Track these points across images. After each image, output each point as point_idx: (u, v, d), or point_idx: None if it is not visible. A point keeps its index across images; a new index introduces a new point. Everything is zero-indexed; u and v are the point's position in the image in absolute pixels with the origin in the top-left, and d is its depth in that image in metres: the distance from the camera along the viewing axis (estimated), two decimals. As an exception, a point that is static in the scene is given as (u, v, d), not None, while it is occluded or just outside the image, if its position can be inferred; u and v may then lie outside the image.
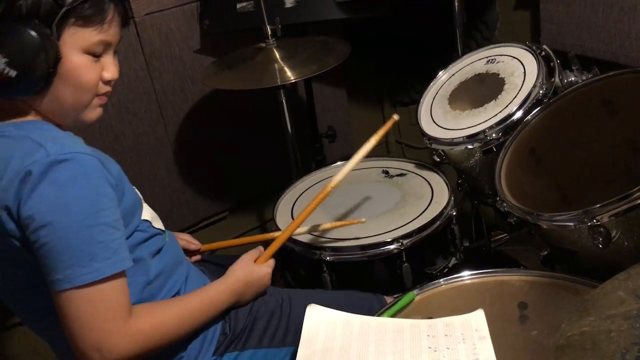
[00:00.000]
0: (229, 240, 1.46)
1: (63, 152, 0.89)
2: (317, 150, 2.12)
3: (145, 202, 1.12)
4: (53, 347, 1.09)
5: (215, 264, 1.38)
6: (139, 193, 1.10)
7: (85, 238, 0.89)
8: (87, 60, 0.96)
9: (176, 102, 1.98)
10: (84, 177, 0.90)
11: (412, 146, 2.51)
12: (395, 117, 1.39)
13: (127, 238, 1.00)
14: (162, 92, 1.94)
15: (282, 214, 1.51)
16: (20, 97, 0.94)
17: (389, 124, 1.38)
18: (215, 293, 1.10)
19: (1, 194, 0.88)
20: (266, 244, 1.27)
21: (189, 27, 1.93)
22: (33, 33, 0.88)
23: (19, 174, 0.87)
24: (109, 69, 1.00)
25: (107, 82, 1.01)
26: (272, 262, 1.21)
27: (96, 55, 0.97)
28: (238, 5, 1.86)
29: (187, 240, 1.36)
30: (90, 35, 0.94)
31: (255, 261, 1.19)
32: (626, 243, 1.04)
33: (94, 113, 1.02)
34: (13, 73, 0.88)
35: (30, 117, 0.97)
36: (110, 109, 1.85)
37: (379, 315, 1.10)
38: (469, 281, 1.15)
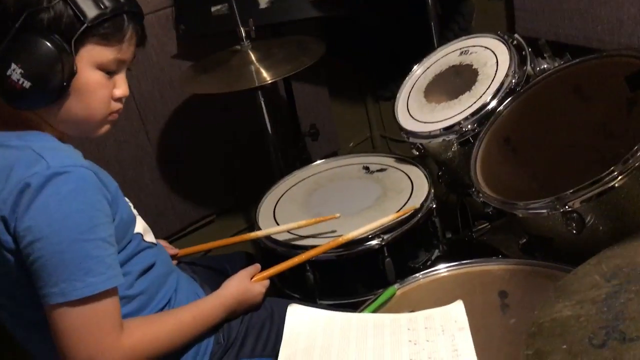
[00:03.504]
0: (207, 244, 1.46)
1: (63, 164, 0.89)
2: (300, 150, 2.13)
3: (131, 210, 1.12)
4: None
5: (206, 267, 1.39)
6: (132, 207, 1.10)
7: (81, 252, 0.89)
8: (100, 76, 0.96)
9: (156, 108, 1.98)
10: (82, 191, 0.90)
11: (397, 140, 2.52)
12: None
13: (119, 252, 0.99)
14: (141, 99, 1.93)
15: (264, 216, 1.52)
16: (31, 109, 0.94)
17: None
18: (208, 309, 1.11)
19: (0, 204, 0.88)
20: (255, 256, 1.23)
21: (164, 33, 1.93)
22: (51, 46, 0.88)
23: (18, 185, 0.87)
24: (120, 86, 1.00)
25: (117, 99, 1.01)
26: (267, 282, 1.22)
27: (109, 72, 0.98)
28: (213, 9, 1.86)
29: (164, 246, 1.35)
30: (107, 53, 0.95)
31: (251, 278, 1.20)
32: (601, 227, 1.04)
33: (102, 129, 1.03)
34: (27, 84, 0.88)
35: (34, 128, 0.97)
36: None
37: (360, 311, 1.11)
38: (449, 273, 1.15)
